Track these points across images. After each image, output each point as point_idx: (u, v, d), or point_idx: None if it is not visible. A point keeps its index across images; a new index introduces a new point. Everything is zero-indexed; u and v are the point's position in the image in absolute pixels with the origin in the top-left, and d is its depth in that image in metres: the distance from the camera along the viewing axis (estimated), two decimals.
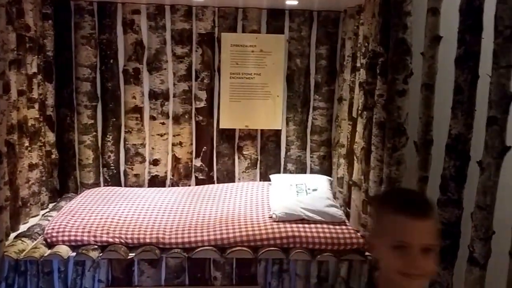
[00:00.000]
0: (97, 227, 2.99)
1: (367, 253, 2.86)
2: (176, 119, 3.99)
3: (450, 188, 2.04)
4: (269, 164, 4.09)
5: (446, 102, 2.10)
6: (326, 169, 4.06)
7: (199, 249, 2.91)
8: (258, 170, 4.09)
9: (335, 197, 3.53)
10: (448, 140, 2.07)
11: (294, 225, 3.02)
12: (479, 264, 1.82)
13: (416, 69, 2.41)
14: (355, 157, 3.15)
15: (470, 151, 2.01)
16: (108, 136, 3.95)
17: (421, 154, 2.27)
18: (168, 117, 3.99)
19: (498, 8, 1.80)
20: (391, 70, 2.53)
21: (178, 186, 4.02)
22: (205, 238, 2.94)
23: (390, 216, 1.18)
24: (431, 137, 2.24)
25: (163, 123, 3.98)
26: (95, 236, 2.92)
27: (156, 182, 4.03)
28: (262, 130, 4.06)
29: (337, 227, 3.02)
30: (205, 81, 3.95)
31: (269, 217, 3.15)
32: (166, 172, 4.04)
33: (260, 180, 4.05)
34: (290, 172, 4.05)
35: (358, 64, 3.20)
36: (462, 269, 1.94)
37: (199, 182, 4.05)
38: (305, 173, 4.07)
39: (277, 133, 4.07)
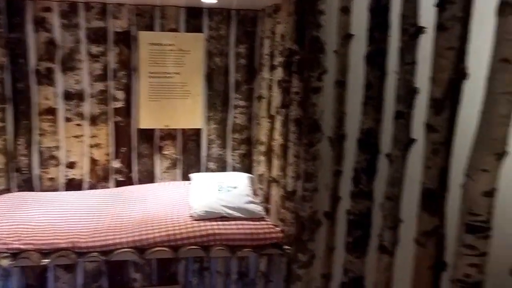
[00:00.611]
0: (7, 234, 2.82)
1: (285, 247, 2.92)
2: (93, 120, 3.85)
3: (362, 180, 2.12)
4: (190, 163, 4.05)
5: (359, 98, 2.18)
6: (247, 166, 4.09)
7: (117, 251, 2.82)
8: (179, 170, 4.04)
9: (256, 194, 3.56)
10: (359, 135, 2.15)
11: (214, 223, 3.01)
12: (388, 252, 1.91)
13: (330, 67, 2.49)
14: (274, 154, 3.20)
15: (380, 145, 2.10)
16: (19, 139, 3.72)
17: (335, 149, 2.34)
18: (84, 118, 3.83)
19: (403, 7, 1.89)
20: (306, 67, 2.59)
21: (97, 188, 3.88)
22: (124, 240, 2.85)
23: None
24: (344, 132, 2.32)
25: (79, 125, 3.82)
26: (5, 244, 2.75)
27: (73, 185, 3.86)
28: (182, 130, 4.01)
29: (257, 223, 3.06)
30: (122, 80, 3.84)
31: (189, 216, 3.12)
32: (83, 175, 3.88)
33: (182, 180, 4.00)
34: (212, 171, 4.03)
35: (276, 63, 3.25)
36: (373, 257, 2.02)
37: (118, 184, 3.93)
38: (227, 171, 4.07)
39: (198, 132, 4.04)
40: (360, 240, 2.10)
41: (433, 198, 1.70)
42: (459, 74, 1.76)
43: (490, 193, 1.49)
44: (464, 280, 1.53)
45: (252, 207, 3.16)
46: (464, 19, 1.73)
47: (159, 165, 4.00)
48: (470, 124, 1.56)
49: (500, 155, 1.46)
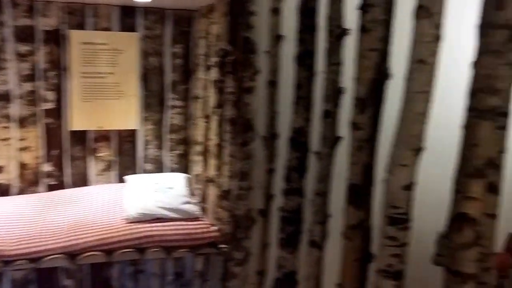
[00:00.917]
0: None
1: (221, 246, 2.93)
2: (21, 122, 3.68)
3: (293, 178, 2.17)
4: (126, 165, 3.96)
5: (290, 97, 2.23)
6: (184, 167, 4.06)
7: (47, 258, 2.72)
8: (114, 172, 3.95)
9: (193, 194, 3.55)
10: (290, 134, 2.20)
11: (149, 225, 2.97)
12: (318, 246, 1.97)
13: (262, 67, 2.52)
14: (210, 154, 3.20)
15: (310, 143, 2.16)
16: None
17: (268, 147, 2.38)
18: (12, 120, 3.66)
19: (329, 9, 1.95)
20: (239, 68, 2.61)
21: (26, 193, 3.71)
22: (54, 246, 2.76)
23: None
24: (276, 131, 2.37)
25: (6, 127, 3.64)
26: None
27: (1, 190, 3.67)
28: (117, 131, 3.93)
29: (193, 223, 3.06)
30: (53, 81, 3.70)
31: (124, 219, 3.06)
32: (11, 180, 3.70)
33: (117, 182, 3.92)
34: (149, 172, 3.97)
35: (211, 63, 3.26)
36: (305, 252, 2.08)
37: (50, 188, 3.78)
38: (164, 172, 4.03)
39: (134, 133, 3.97)
40: (292, 236, 2.16)
41: (358, 193, 1.78)
42: (382, 74, 1.85)
43: (409, 187, 1.58)
44: (387, 270, 1.61)
45: (188, 207, 3.15)
46: (387, 22, 1.82)
47: (93, 167, 3.89)
48: (394, 122, 1.64)
49: (418, 151, 1.55)
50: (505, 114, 1.61)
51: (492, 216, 1.68)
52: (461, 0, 1.71)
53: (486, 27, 1.45)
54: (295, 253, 2.17)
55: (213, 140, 3.12)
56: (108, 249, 2.82)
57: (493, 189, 1.65)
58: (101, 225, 2.98)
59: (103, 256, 2.79)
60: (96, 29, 3.74)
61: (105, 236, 2.85)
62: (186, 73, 4.01)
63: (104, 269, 2.92)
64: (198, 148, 3.64)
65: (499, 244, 1.67)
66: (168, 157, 4.06)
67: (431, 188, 1.99)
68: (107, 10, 3.75)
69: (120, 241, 2.84)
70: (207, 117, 3.36)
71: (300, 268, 2.15)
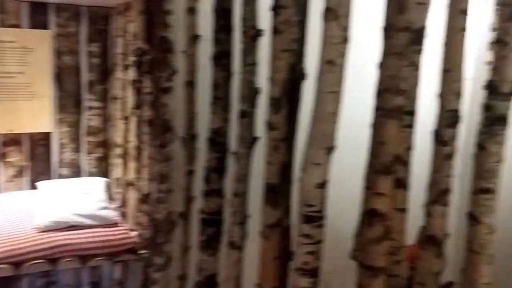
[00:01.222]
0: None
1: (141, 251, 2.85)
2: None
3: (212, 179, 2.15)
4: (39, 170, 3.74)
5: (208, 98, 2.21)
6: (104, 170, 3.91)
7: None
8: (26, 178, 3.72)
9: (112, 199, 3.43)
10: (209, 134, 2.18)
11: (62, 234, 2.81)
12: (237, 247, 1.96)
13: (180, 67, 2.48)
14: (129, 157, 3.11)
15: (228, 144, 2.15)
16: None
17: (187, 149, 2.35)
18: None
19: (243, 10, 1.95)
20: (156, 68, 2.56)
21: None
22: None
23: None
24: (195, 132, 2.34)
25: None
26: None
27: None
28: (30, 134, 3.70)
29: (111, 229, 2.94)
30: None
31: (34, 228, 2.88)
32: None
33: (30, 189, 3.69)
34: (65, 177, 3.78)
35: (129, 62, 3.16)
36: (225, 253, 2.07)
37: None
38: (82, 176, 3.85)
39: (48, 136, 3.76)
40: (213, 238, 2.14)
41: (275, 193, 1.79)
42: (298, 74, 1.88)
43: (322, 185, 1.61)
44: (303, 267, 1.63)
45: (105, 213, 3.03)
46: (301, 23, 1.85)
47: (3, 174, 3.64)
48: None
49: (330, 149, 1.58)
50: (411, 113, 1.70)
51: (402, 210, 1.76)
52: (367, 3, 1.78)
53: (390, 29, 1.51)
54: (215, 255, 2.15)
55: (132, 142, 3.03)
56: (17, 261, 2.64)
57: (402, 184, 1.73)
58: (9, 235, 2.78)
59: (11, 269, 2.61)
60: (3, 26, 3.51)
61: (13, 247, 2.66)
62: (104, 72, 3.86)
63: (12, 283, 2.73)
64: (118, 150, 3.52)
65: (411, 237, 1.75)
66: (86, 161, 3.89)
67: (346, 185, 2.05)
68: (15, 5, 3.52)
69: (29, 252, 2.67)
70: (126, 118, 3.26)
71: (221, 270, 2.13)
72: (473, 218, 1.65)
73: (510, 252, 1.71)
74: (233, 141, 2.08)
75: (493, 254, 1.66)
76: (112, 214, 3.06)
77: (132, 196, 3.06)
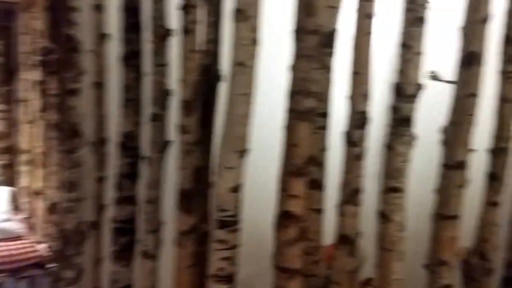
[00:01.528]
0: None
1: (48, 265, 2.68)
2: None
3: (124, 185, 2.05)
4: None
5: (118, 100, 2.10)
6: (10, 179, 3.64)
7: None
8: None
9: (18, 209, 3.19)
10: (120, 138, 2.07)
11: None
12: (151, 256, 1.88)
13: (88, 67, 2.35)
14: (36, 163, 2.91)
15: (141, 148, 2.06)
16: None
17: (97, 154, 2.23)
18: None
19: (152, 8, 1.88)
20: (62, 68, 2.40)
21: None
22: None
23: None
24: (105, 136, 2.22)
25: None
26: None
27: None
28: None
29: (15, 242, 2.74)
30: None
31: None
32: None
33: None
34: None
35: (35, 62, 2.96)
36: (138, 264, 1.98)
37: None
38: None
39: None
40: (126, 247, 2.04)
41: (188, 198, 1.73)
42: (213, 76, 1.84)
43: (236, 189, 1.57)
44: (218, 274, 1.59)
45: (8, 225, 2.83)
46: (214, 23, 1.80)
47: None
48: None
49: (242, 153, 1.55)
50: (324, 115, 1.71)
51: (318, 211, 1.77)
52: (278, 5, 1.77)
53: (300, 32, 1.51)
54: (129, 266, 2.05)
55: (39, 148, 2.83)
56: None
57: (317, 185, 1.74)
58: None
59: None
60: None
61: None
62: (8, 72, 3.61)
63: None
64: (25, 157, 3.28)
65: (329, 237, 1.76)
66: None
67: (261, 188, 2.03)
68: None
69: None
70: (32, 122, 3.05)
71: (135, 281, 2.04)
72: (383, 217, 1.69)
73: (420, 249, 1.77)
74: (145, 145, 2.00)
75: (404, 251, 1.71)
76: (15, 226, 2.86)
77: (40, 205, 2.86)
